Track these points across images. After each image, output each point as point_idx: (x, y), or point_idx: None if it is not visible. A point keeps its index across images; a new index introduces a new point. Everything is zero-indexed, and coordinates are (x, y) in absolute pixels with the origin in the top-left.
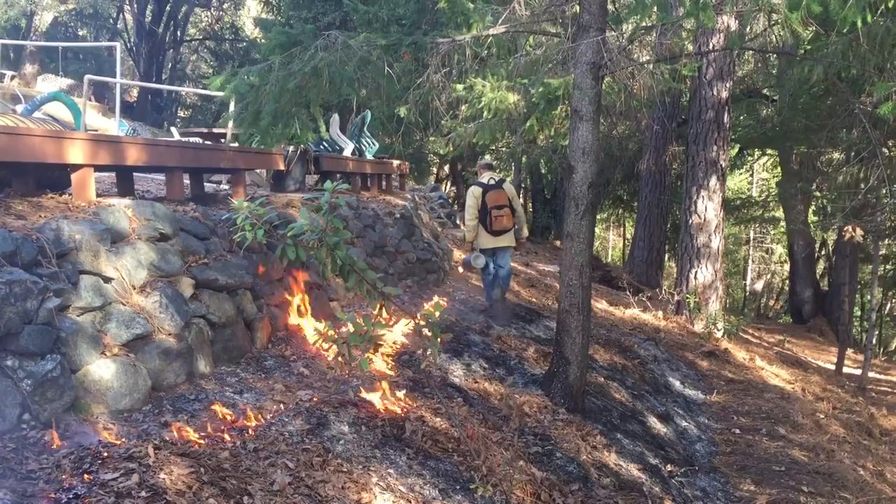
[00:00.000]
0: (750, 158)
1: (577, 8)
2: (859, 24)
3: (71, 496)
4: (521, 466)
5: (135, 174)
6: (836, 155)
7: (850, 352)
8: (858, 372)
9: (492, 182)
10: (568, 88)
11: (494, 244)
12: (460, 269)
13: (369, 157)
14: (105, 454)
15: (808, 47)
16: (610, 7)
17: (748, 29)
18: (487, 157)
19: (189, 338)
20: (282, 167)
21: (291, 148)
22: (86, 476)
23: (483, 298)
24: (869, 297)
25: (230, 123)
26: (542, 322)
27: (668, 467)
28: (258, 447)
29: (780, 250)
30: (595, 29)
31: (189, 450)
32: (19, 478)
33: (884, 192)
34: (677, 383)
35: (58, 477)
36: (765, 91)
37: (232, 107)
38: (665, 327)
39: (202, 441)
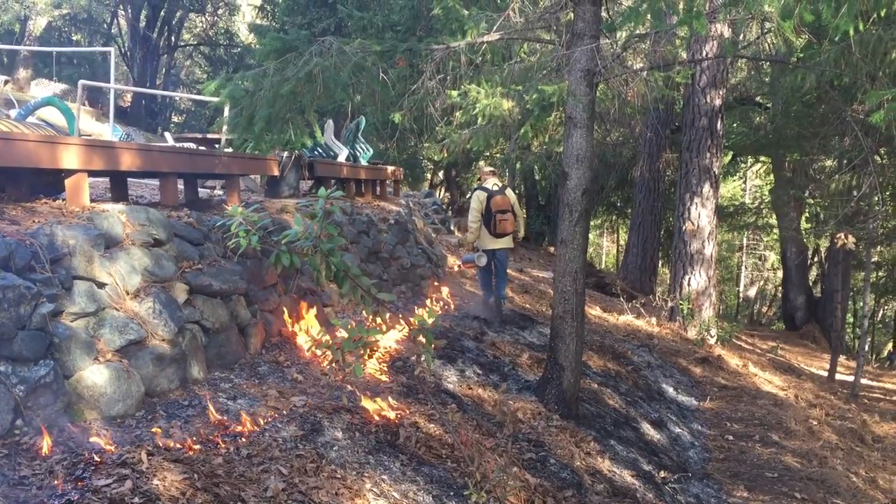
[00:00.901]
0: (743, 165)
1: (572, 15)
2: (851, 32)
3: (64, 502)
4: (514, 473)
5: (129, 179)
6: (828, 162)
7: (842, 358)
8: (851, 378)
9: (496, 188)
10: (562, 95)
11: (496, 245)
12: (457, 269)
13: (363, 162)
14: (98, 460)
15: (801, 55)
16: (604, 15)
17: (741, 37)
18: (483, 164)
19: (183, 343)
20: (276, 173)
21: (286, 153)
22: (79, 482)
23: (476, 304)
24: (861, 303)
25: (224, 129)
26: (535, 328)
27: (662, 474)
28: (252, 453)
29: (773, 257)
30: (589, 36)
31: (182, 456)
32: (12, 484)
33: (876, 199)
34: (671, 390)
35: (51, 483)
36: (758, 98)
37: (226, 112)
38: (658, 333)
39: (196, 447)
